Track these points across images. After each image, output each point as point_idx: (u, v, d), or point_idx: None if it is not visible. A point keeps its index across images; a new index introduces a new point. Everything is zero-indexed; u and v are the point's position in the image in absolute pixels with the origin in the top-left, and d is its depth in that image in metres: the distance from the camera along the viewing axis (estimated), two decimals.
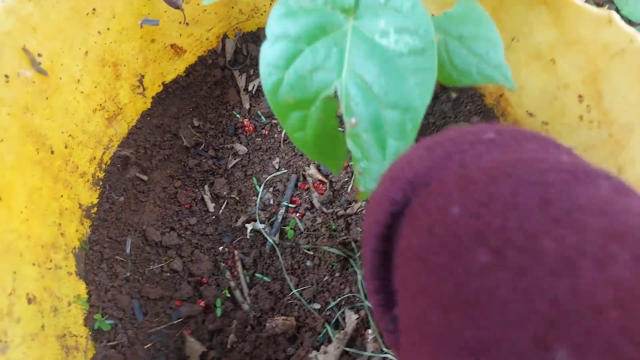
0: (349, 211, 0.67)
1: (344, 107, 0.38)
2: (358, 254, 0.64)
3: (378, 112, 0.38)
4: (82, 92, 0.59)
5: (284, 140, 0.73)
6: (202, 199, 0.71)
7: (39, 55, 0.50)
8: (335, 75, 0.39)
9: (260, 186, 0.71)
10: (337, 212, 0.67)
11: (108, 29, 0.58)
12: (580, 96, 0.56)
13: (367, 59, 0.39)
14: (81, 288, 0.61)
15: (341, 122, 0.40)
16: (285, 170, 0.71)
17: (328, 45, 0.39)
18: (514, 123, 0.69)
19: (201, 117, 0.74)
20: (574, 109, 0.58)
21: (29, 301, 0.51)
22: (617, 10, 1.08)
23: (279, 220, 0.68)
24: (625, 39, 0.48)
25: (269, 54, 0.38)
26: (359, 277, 0.63)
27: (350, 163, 0.71)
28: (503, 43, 0.62)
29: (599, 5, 1.14)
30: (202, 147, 0.73)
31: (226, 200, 0.71)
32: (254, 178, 0.71)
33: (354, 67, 0.39)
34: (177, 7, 0.56)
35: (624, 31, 0.48)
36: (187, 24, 0.65)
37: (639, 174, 0.50)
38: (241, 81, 0.75)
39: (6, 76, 0.47)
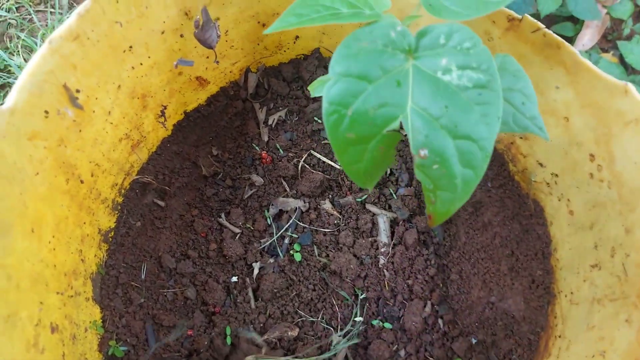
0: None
1: (411, 140, 0.39)
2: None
3: (447, 143, 0.40)
4: (112, 123, 0.60)
5: (301, 173, 0.75)
6: (219, 228, 0.72)
7: (77, 91, 0.52)
8: (399, 111, 0.40)
9: (270, 218, 0.72)
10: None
11: (141, 64, 0.59)
12: (592, 155, 0.59)
13: (431, 94, 0.40)
14: (96, 313, 0.62)
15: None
16: (299, 201, 0.73)
17: (391, 83, 0.41)
18: (524, 170, 0.72)
19: (220, 147, 0.76)
20: (585, 167, 0.60)
21: (52, 330, 0.52)
22: (621, 57, 1.12)
23: (285, 248, 0.70)
24: (639, 110, 0.50)
25: (332, 92, 0.39)
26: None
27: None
28: None
29: (604, 50, 1.17)
30: (219, 176, 0.75)
31: (241, 230, 0.72)
32: (265, 210, 0.73)
33: (419, 102, 0.40)
34: (211, 48, 0.58)
35: (639, 102, 0.50)
36: (218, 62, 0.67)
37: None
38: (261, 114, 0.77)
39: (46, 112, 0.49)
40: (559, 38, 0.56)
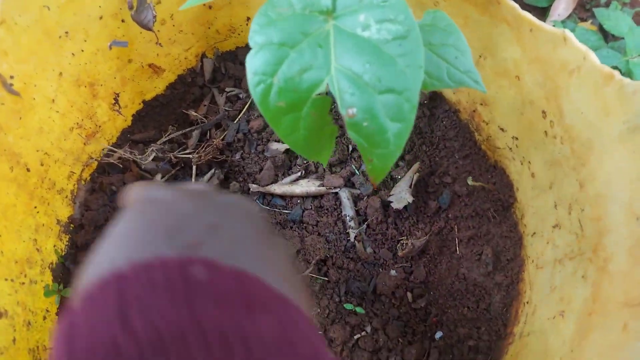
0: None
1: (338, 100, 0.39)
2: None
3: (373, 99, 0.39)
4: (58, 112, 0.60)
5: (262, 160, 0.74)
6: None
7: (11, 77, 0.52)
8: (324, 73, 0.40)
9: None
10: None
11: (82, 50, 0.59)
12: (544, 112, 0.57)
13: (353, 51, 0.40)
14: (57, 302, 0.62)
15: (335, 118, 0.41)
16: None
17: (312, 46, 0.40)
18: (488, 138, 0.70)
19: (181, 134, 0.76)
20: (539, 125, 0.58)
21: (0, 315, 0.52)
22: (600, 25, 1.09)
23: None
24: (579, 57, 0.49)
25: (254, 62, 0.39)
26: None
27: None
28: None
29: (582, 19, 1.14)
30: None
31: None
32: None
33: (342, 61, 0.40)
34: (148, 29, 0.58)
35: (578, 49, 0.49)
36: (161, 45, 0.67)
37: (598, 190, 0.50)
38: (220, 99, 0.76)
39: None
40: None
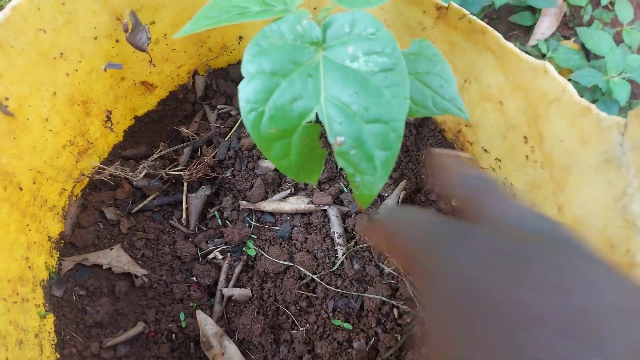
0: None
1: (327, 129, 0.41)
2: None
3: (361, 128, 0.41)
4: (51, 130, 0.61)
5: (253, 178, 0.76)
6: (170, 229, 0.73)
7: (6, 99, 0.52)
8: (314, 102, 0.42)
9: (219, 217, 0.73)
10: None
11: (76, 70, 0.60)
12: (525, 137, 0.59)
13: (341, 82, 0.41)
14: (49, 319, 0.62)
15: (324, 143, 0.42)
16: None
17: (303, 76, 0.42)
18: (472, 158, 0.72)
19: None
20: (521, 149, 0.61)
21: None
22: (582, 44, 1.12)
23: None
24: (559, 89, 0.51)
25: (247, 91, 0.40)
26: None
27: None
28: (457, 84, 0.65)
29: (565, 37, 1.18)
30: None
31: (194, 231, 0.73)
32: (216, 212, 0.74)
33: (331, 91, 0.42)
34: (143, 50, 0.59)
35: (557, 81, 0.51)
36: (154, 65, 0.68)
37: (575, 214, 0.53)
38: (212, 116, 0.77)
39: None
40: (483, 24, 0.57)
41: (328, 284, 0.68)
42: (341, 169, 0.76)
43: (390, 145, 0.41)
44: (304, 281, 0.68)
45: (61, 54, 0.57)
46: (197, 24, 0.46)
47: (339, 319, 0.66)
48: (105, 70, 0.59)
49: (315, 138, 0.44)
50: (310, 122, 0.42)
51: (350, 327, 0.66)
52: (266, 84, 0.41)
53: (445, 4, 0.60)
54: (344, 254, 0.70)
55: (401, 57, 0.42)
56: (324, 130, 0.42)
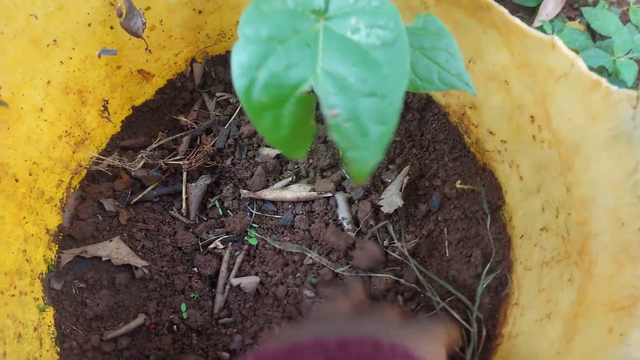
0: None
1: (322, 100, 0.39)
2: None
3: (356, 101, 0.39)
4: (46, 120, 0.60)
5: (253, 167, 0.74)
6: (170, 219, 0.72)
7: None
8: (310, 72, 0.40)
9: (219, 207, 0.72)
10: None
11: (70, 58, 0.59)
12: (532, 117, 0.58)
13: (340, 53, 0.40)
14: (48, 312, 0.62)
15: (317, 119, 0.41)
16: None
17: (301, 44, 0.40)
18: (477, 141, 0.70)
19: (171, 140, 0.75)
20: (528, 129, 0.59)
21: None
22: (588, 24, 1.10)
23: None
24: (567, 64, 0.49)
25: (241, 54, 0.38)
26: None
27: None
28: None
29: (570, 19, 1.15)
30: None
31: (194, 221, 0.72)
32: (216, 202, 0.72)
33: (329, 62, 0.40)
34: (138, 36, 0.58)
35: (566, 56, 0.49)
36: (151, 51, 0.66)
37: (583, 194, 0.51)
38: (210, 104, 0.76)
39: None
40: None
41: (336, 272, 0.67)
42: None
43: (386, 120, 0.40)
44: (307, 267, 0.67)
45: (54, 40, 0.56)
46: None
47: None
48: (99, 56, 0.58)
49: (307, 111, 0.42)
50: (304, 93, 0.41)
51: None
52: (262, 49, 0.39)
53: None
54: (353, 238, 0.68)
55: (404, 32, 0.41)
56: (317, 106, 0.41)
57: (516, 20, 0.54)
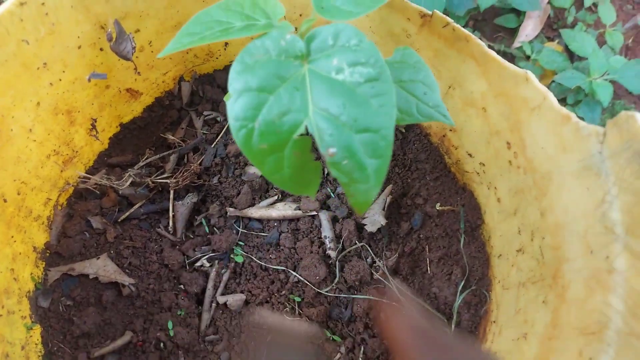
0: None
1: (318, 141, 0.41)
2: None
3: (351, 138, 0.41)
4: (35, 140, 0.61)
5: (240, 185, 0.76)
6: (157, 237, 0.72)
7: None
8: (303, 115, 0.42)
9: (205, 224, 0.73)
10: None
11: (60, 80, 0.60)
12: (508, 143, 0.60)
13: (329, 94, 0.42)
14: (36, 330, 0.62)
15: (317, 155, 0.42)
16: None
17: (290, 90, 0.42)
18: (457, 162, 0.73)
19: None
20: (505, 154, 0.61)
21: None
22: (566, 45, 1.14)
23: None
24: (540, 97, 0.52)
25: (235, 108, 0.41)
26: None
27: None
28: (441, 90, 0.66)
29: (550, 39, 1.19)
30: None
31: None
32: (203, 220, 0.74)
33: (319, 103, 0.42)
34: (128, 59, 0.59)
35: (538, 89, 0.52)
36: (139, 73, 0.67)
37: (557, 220, 0.53)
38: (198, 122, 0.77)
39: None
40: (467, 32, 0.58)
41: (319, 289, 0.69)
42: (327, 174, 0.76)
43: (381, 153, 0.42)
44: (292, 285, 0.68)
45: (44, 64, 0.57)
46: (179, 42, 0.46)
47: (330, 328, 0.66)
48: (89, 80, 0.59)
49: (307, 151, 0.44)
50: (301, 135, 0.42)
51: (339, 339, 0.66)
52: (254, 100, 0.42)
53: (429, 12, 0.60)
54: (336, 257, 0.70)
55: (385, 67, 0.43)
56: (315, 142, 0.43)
57: (492, 53, 0.56)
